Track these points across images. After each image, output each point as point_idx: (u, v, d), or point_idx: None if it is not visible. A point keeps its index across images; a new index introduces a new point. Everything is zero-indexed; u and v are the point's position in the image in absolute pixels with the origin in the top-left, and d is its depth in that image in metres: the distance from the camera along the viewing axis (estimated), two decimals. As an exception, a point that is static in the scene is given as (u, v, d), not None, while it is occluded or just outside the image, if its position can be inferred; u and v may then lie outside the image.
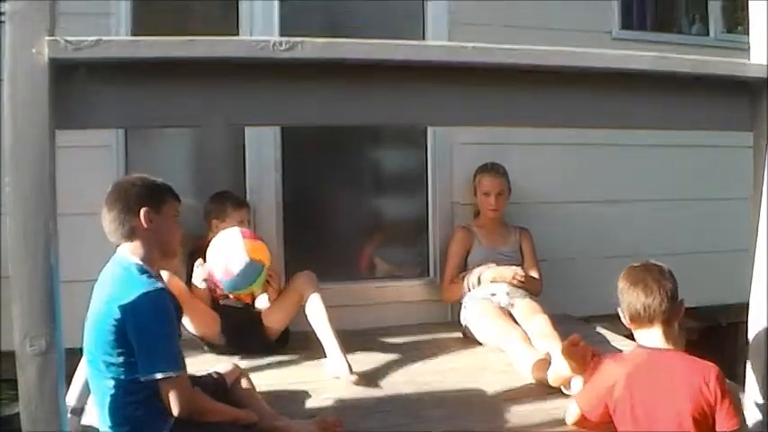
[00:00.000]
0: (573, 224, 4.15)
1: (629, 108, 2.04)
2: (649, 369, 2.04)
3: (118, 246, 2.23)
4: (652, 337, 2.08)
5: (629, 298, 2.10)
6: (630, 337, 2.19)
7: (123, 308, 2.03)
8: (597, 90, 1.98)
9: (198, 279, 3.13)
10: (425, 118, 2.24)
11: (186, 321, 3.13)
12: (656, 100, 2.05)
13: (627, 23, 4.35)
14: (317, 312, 3.19)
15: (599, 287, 3.73)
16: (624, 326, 2.22)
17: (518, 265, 3.70)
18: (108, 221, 2.20)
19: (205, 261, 3.07)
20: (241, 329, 3.25)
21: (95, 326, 2.10)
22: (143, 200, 2.20)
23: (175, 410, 2.06)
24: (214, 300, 3.26)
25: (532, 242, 3.87)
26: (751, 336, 2.17)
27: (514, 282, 3.60)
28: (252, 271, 2.96)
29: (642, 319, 2.08)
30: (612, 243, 4.12)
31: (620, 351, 2.27)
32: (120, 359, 2.05)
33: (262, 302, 3.29)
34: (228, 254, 2.97)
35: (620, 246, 4.00)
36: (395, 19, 4.01)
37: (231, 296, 3.19)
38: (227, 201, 3.44)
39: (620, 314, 2.15)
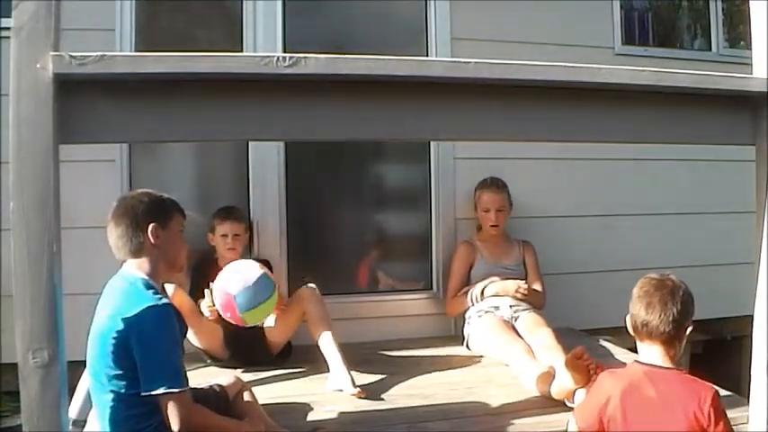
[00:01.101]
0: (576, 238, 4.16)
1: (630, 123, 2.03)
2: (644, 387, 2.01)
3: (123, 261, 2.23)
4: (650, 352, 2.06)
5: (633, 309, 2.08)
6: (635, 350, 2.17)
7: (127, 321, 2.03)
8: (597, 105, 1.98)
9: (204, 307, 3.08)
10: (428, 133, 2.24)
11: (190, 334, 3.12)
12: (658, 115, 2.04)
13: (629, 39, 4.36)
14: (319, 326, 3.19)
15: (602, 300, 3.74)
16: (628, 339, 2.21)
17: (521, 279, 3.70)
18: (115, 237, 2.19)
19: (209, 286, 3.02)
20: (244, 343, 3.25)
21: (98, 339, 2.09)
22: (150, 216, 2.20)
23: (175, 427, 2.03)
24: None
25: (536, 255, 3.87)
26: (754, 350, 2.16)
27: (518, 295, 3.60)
28: (265, 286, 2.92)
29: (641, 333, 2.06)
30: (615, 257, 4.13)
31: (624, 364, 2.25)
32: (122, 373, 2.04)
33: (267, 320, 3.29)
34: (243, 269, 2.95)
35: (623, 259, 4.01)
36: (397, 36, 4.03)
37: (241, 323, 3.00)
38: (216, 214, 3.48)
39: (627, 320, 2.14)
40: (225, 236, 3.43)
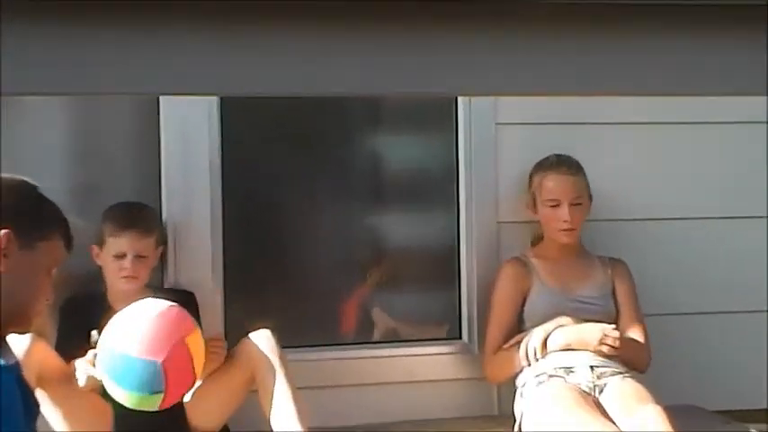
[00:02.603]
0: (699, 256, 4.09)
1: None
2: None
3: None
4: None
5: None
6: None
7: None
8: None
9: (81, 372, 3.07)
10: (458, 86, 2.22)
11: (55, 415, 3.14)
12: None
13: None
14: (278, 398, 3.17)
15: (748, 362, 3.71)
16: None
17: (609, 321, 3.67)
18: None
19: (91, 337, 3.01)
20: (147, 428, 3.19)
21: None
22: (10, 218, 2.16)
23: None
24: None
25: (633, 283, 3.82)
26: None
27: (604, 348, 3.58)
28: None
29: None
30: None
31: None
32: None
33: None
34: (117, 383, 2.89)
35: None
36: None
37: None
38: (108, 218, 3.45)
39: None
40: (121, 257, 3.38)
